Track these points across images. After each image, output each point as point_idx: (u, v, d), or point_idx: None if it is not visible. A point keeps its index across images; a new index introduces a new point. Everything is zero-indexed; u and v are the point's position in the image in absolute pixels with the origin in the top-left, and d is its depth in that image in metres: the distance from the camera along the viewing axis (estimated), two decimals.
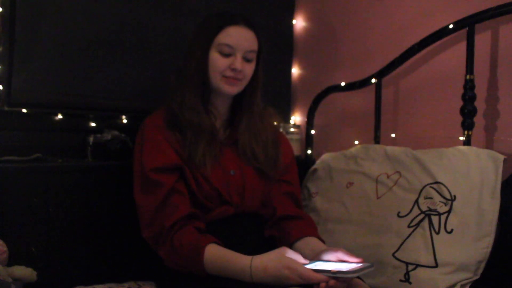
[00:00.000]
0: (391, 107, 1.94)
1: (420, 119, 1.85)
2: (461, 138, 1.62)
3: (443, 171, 1.50)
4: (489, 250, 1.41)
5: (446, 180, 1.48)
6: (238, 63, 1.42)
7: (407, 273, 1.42)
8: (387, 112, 1.92)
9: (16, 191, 1.44)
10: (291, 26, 2.27)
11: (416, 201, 1.50)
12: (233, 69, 1.43)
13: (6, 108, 1.55)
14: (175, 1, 1.87)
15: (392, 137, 1.93)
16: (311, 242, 1.38)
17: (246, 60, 1.45)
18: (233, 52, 1.43)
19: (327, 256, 1.24)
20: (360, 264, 1.17)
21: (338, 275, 1.12)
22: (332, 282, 1.13)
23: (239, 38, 1.43)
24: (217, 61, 1.43)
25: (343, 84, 1.99)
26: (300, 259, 1.19)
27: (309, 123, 2.07)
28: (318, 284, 1.14)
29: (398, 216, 1.51)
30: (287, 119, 2.23)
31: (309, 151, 2.07)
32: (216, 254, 1.25)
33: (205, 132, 1.43)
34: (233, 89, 1.46)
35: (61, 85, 1.64)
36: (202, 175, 1.40)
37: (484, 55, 1.65)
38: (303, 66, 2.27)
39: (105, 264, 1.59)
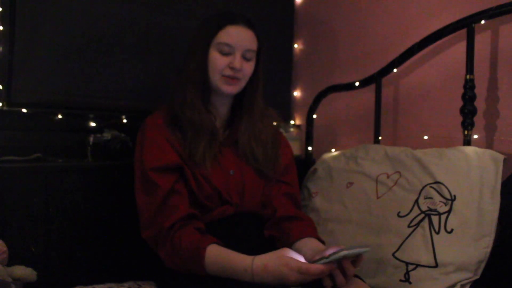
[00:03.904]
0: (391, 107, 1.94)
1: (420, 119, 1.85)
2: (461, 138, 1.62)
3: (443, 171, 1.50)
4: (489, 250, 1.41)
5: (446, 180, 1.48)
6: (237, 62, 1.42)
7: (407, 273, 1.42)
8: (387, 112, 1.93)
9: (16, 191, 1.44)
10: (291, 26, 2.27)
11: (416, 201, 1.50)
12: (232, 68, 1.43)
13: (6, 108, 1.56)
14: (175, 1, 1.88)
15: (392, 137, 1.93)
16: (310, 242, 1.38)
17: (245, 59, 1.45)
18: (232, 51, 1.43)
19: (329, 250, 1.24)
20: (358, 248, 1.17)
21: (331, 257, 1.13)
22: (327, 267, 1.15)
23: (238, 37, 1.43)
24: (216, 60, 1.43)
25: (343, 84, 1.99)
26: (301, 259, 1.19)
27: (309, 123, 2.07)
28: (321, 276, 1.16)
29: (398, 216, 1.51)
30: (287, 119, 2.23)
31: (309, 151, 2.07)
32: (217, 254, 1.25)
33: (206, 131, 1.43)
34: (232, 89, 1.46)
35: (61, 85, 1.64)
36: (202, 175, 1.40)
37: (484, 55, 1.65)
38: (303, 66, 2.27)
39: (105, 264, 1.59)
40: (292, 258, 1.16)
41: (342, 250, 1.14)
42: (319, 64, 2.21)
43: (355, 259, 1.21)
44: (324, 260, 1.14)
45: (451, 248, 1.40)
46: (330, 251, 1.21)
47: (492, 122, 1.64)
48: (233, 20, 1.44)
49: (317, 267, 1.14)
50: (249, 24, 1.46)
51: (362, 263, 1.23)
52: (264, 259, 1.19)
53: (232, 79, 1.44)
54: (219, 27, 1.43)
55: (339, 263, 1.19)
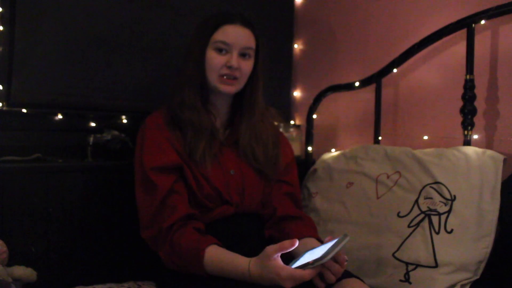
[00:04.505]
0: (391, 107, 1.94)
1: (420, 119, 1.85)
2: (461, 138, 1.62)
3: (443, 171, 1.50)
4: (489, 250, 1.41)
5: (446, 180, 1.48)
6: (234, 60, 1.42)
7: (407, 273, 1.42)
8: (387, 112, 1.92)
9: (16, 191, 1.44)
10: (291, 26, 2.27)
11: (416, 201, 1.50)
12: (229, 67, 1.43)
13: (6, 108, 1.56)
14: (174, 1, 1.88)
15: (392, 137, 1.93)
16: (310, 243, 1.38)
17: (243, 57, 1.45)
18: (229, 49, 1.43)
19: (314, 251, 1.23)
20: (333, 241, 1.16)
21: (316, 263, 1.13)
22: (316, 269, 1.15)
23: (234, 35, 1.43)
24: (213, 59, 1.43)
25: (343, 84, 1.99)
26: (283, 247, 1.15)
27: (309, 123, 2.07)
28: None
29: (398, 216, 1.51)
30: (287, 119, 2.23)
31: (309, 151, 2.07)
32: (216, 256, 1.25)
33: (205, 131, 1.43)
34: (231, 89, 1.46)
35: (61, 85, 1.64)
36: (202, 175, 1.40)
37: (484, 55, 1.65)
38: (303, 66, 2.27)
39: (105, 264, 1.59)
40: (283, 267, 1.14)
41: (324, 257, 1.13)
42: (319, 64, 2.21)
43: (336, 257, 1.19)
44: (310, 266, 1.14)
45: (451, 248, 1.40)
46: (314, 253, 1.20)
47: (492, 122, 1.64)
48: (229, 19, 1.44)
49: (309, 272, 1.14)
50: (246, 22, 1.46)
51: (346, 256, 1.22)
52: (258, 266, 1.18)
53: (230, 78, 1.44)
54: (216, 26, 1.43)
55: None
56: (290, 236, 1.39)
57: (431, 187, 1.49)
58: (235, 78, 1.45)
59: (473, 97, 1.60)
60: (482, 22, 1.60)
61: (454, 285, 1.38)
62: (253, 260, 1.20)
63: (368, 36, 2.03)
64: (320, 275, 1.21)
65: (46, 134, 1.64)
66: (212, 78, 1.44)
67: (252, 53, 1.47)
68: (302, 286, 1.17)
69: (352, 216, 1.62)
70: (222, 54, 1.43)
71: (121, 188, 1.59)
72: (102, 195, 1.59)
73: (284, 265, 1.15)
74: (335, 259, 1.19)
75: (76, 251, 1.54)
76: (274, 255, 1.15)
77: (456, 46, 1.74)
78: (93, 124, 1.71)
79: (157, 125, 1.44)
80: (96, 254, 1.58)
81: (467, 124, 1.60)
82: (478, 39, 1.61)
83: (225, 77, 1.43)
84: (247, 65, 1.46)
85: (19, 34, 1.56)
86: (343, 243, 1.15)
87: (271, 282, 1.15)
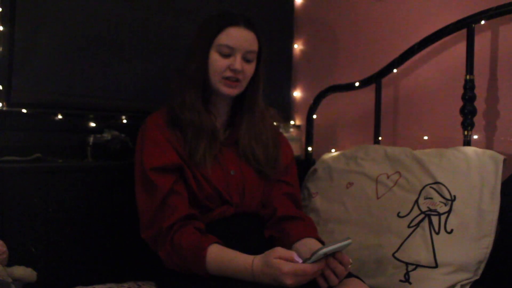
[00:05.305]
0: (391, 107, 1.94)
1: (420, 119, 1.85)
2: (461, 138, 1.62)
3: (443, 171, 1.50)
4: (489, 250, 1.41)
5: (446, 180, 1.48)
6: (238, 63, 1.42)
7: (407, 273, 1.42)
8: (387, 112, 1.93)
9: (16, 191, 1.44)
10: (291, 26, 2.27)
11: (416, 201, 1.50)
12: (233, 70, 1.43)
13: (6, 108, 1.56)
14: (175, 1, 1.88)
15: (392, 137, 1.93)
16: (310, 243, 1.38)
17: (246, 60, 1.45)
18: (233, 52, 1.43)
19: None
20: (338, 243, 1.17)
21: (313, 258, 1.14)
22: (319, 265, 1.15)
23: (239, 39, 1.42)
24: (216, 62, 1.43)
25: (343, 84, 1.99)
26: (296, 257, 1.18)
27: (309, 123, 2.07)
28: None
29: (398, 216, 1.51)
30: (287, 119, 2.23)
31: (309, 151, 2.07)
32: (218, 254, 1.25)
33: (206, 132, 1.43)
34: (233, 91, 1.46)
35: (61, 85, 1.64)
36: (202, 175, 1.40)
37: (484, 55, 1.65)
38: (303, 66, 2.27)
39: (105, 264, 1.59)
40: (286, 263, 1.15)
41: (321, 248, 1.14)
42: (319, 64, 2.21)
43: (340, 258, 1.20)
44: (308, 262, 1.15)
45: (451, 249, 1.40)
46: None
47: (492, 122, 1.64)
48: (233, 21, 1.43)
49: (311, 266, 1.14)
50: (249, 25, 1.45)
51: (350, 259, 1.22)
52: (261, 262, 1.18)
53: (232, 81, 1.44)
54: (220, 28, 1.43)
55: (327, 263, 1.19)
56: (290, 236, 1.40)
57: (431, 187, 1.49)
58: (237, 81, 1.45)
59: (473, 97, 1.60)
60: (482, 22, 1.60)
61: (454, 285, 1.38)
62: (258, 256, 1.20)
63: (368, 36, 2.03)
64: (324, 277, 1.21)
65: (46, 134, 1.64)
66: (215, 80, 1.44)
67: (254, 56, 1.47)
68: (305, 286, 1.17)
69: (352, 216, 1.62)
70: (225, 57, 1.43)
71: (121, 188, 1.59)
72: (102, 195, 1.59)
73: (287, 261, 1.15)
74: (339, 260, 1.20)
75: (76, 251, 1.54)
76: (281, 254, 1.16)
77: (456, 46, 1.74)
78: (93, 124, 1.71)
79: (158, 125, 1.44)
80: (96, 254, 1.58)
81: (467, 124, 1.60)
82: (478, 39, 1.61)
83: (227, 79, 1.43)
84: (250, 68, 1.46)
85: (19, 34, 1.56)
86: (344, 243, 1.16)
87: (272, 279, 1.15)
